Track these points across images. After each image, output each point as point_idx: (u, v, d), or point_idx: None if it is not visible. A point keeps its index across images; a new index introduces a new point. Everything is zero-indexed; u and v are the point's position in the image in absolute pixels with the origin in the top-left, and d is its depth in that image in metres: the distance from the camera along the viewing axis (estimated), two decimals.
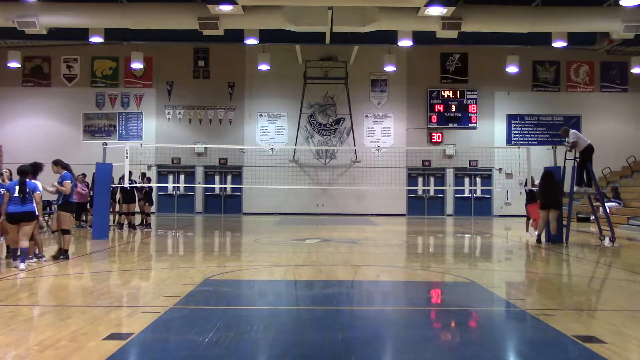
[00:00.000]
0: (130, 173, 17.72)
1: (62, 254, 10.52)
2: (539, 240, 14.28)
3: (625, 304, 7.34)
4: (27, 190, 9.51)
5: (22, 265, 9.22)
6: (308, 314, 6.62)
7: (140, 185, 18.20)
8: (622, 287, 8.73)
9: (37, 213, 10.29)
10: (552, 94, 28.65)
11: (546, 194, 14.42)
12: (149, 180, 20.03)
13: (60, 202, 10.66)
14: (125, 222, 17.88)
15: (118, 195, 18.13)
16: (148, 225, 18.51)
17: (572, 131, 14.97)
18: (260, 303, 7.42)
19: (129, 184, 17.05)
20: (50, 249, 10.85)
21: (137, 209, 18.44)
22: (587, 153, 14.48)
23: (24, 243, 9.40)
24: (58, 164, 10.97)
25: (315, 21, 18.81)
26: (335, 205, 27.76)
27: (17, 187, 9.45)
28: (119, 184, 17.10)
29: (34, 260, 10.11)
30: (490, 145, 27.77)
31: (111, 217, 18.60)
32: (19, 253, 9.44)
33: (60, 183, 10.59)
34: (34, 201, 9.65)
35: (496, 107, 28.62)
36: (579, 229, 19.23)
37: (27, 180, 9.69)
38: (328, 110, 28.54)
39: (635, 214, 20.29)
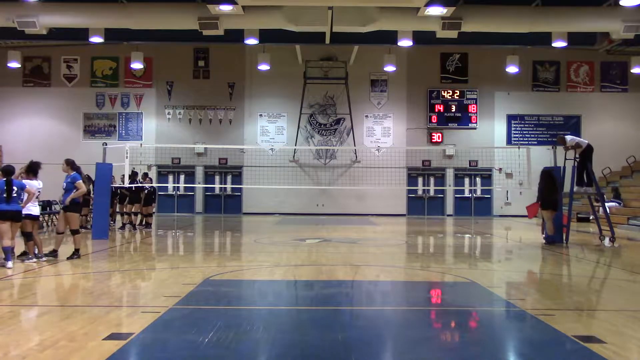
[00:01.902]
0: (135, 174, 17.78)
1: (75, 254, 10.55)
2: (550, 241, 14.23)
3: (625, 304, 7.34)
4: (15, 189, 9.53)
5: (9, 264, 9.27)
6: (308, 314, 6.62)
7: (141, 185, 18.19)
8: (622, 287, 8.73)
9: (36, 214, 10.35)
10: (552, 94, 28.65)
11: (544, 194, 14.43)
12: (151, 180, 20.04)
13: (64, 203, 10.70)
14: (128, 222, 17.89)
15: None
16: (148, 225, 18.51)
17: (569, 137, 14.93)
18: (260, 303, 7.42)
19: (135, 184, 17.09)
20: (63, 249, 10.83)
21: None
22: (587, 153, 14.47)
23: (6, 242, 9.42)
24: (69, 163, 10.98)
25: (315, 21, 18.80)
26: (335, 205, 27.75)
27: (5, 187, 9.48)
28: (131, 183, 17.07)
29: (34, 260, 10.12)
30: (490, 145, 27.76)
31: (117, 217, 18.64)
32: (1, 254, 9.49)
33: (71, 183, 10.63)
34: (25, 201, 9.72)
35: (496, 107, 28.61)
36: (579, 229, 19.23)
37: (16, 180, 9.77)
38: (328, 110, 28.54)
39: (635, 214, 20.28)
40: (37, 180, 10.39)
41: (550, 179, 14.50)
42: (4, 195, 9.43)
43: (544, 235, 14.68)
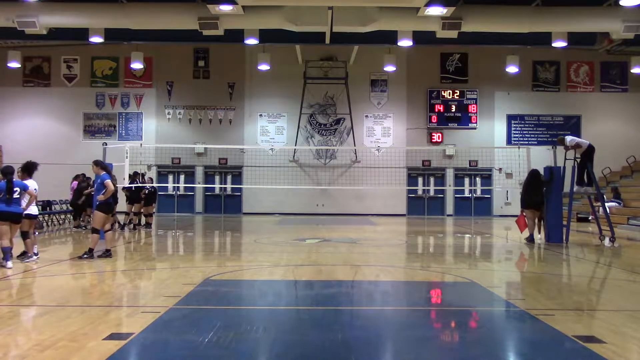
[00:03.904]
0: (137, 173, 17.78)
1: (86, 253, 10.55)
2: (530, 240, 14.34)
3: (625, 304, 7.34)
4: (16, 190, 9.54)
5: (9, 264, 9.28)
6: (308, 314, 6.62)
7: (141, 185, 18.18)
8: (622, 287, 8.72)
9: (35, 213, 10.38)
10: (552, 94, 28.65)
11: (528, 193, 14.47)
12: (151, 180, 20.03)
13: (97, 202, 10.85)
14: (128, 221, 17.87)
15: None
16: (149, 225, 18.50)
17: (569, 138, 14.93)
18: (260, 303, 7.41)
19: (134, 184, 17.10)
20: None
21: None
22: (588, 153, 14.48)
23: (5, 242, 9.43)
24: (98, 164, 11.12)
25: (315, 21, 18.80)
26: (335, 205, 27.75)
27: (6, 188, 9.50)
28: (131, 183, 17.07)
29: (34, 258, 10.13)
30: (490, 145, 27.76)
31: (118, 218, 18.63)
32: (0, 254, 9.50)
33: (100, 184, 10.68)
34: (24, 201, 9.73)
35: (496, 107, 28.62)
36: (579, 229, 19.23)
37: (17, 180, 9.79)
38: (328, 110, 28.54)
39: (635, 214, 20.28)
40: (32, 180, 10.36)
41: (534, 179, 14.55)
42: (7, 195, 9.44)
43: (539, 236, 14.68)
